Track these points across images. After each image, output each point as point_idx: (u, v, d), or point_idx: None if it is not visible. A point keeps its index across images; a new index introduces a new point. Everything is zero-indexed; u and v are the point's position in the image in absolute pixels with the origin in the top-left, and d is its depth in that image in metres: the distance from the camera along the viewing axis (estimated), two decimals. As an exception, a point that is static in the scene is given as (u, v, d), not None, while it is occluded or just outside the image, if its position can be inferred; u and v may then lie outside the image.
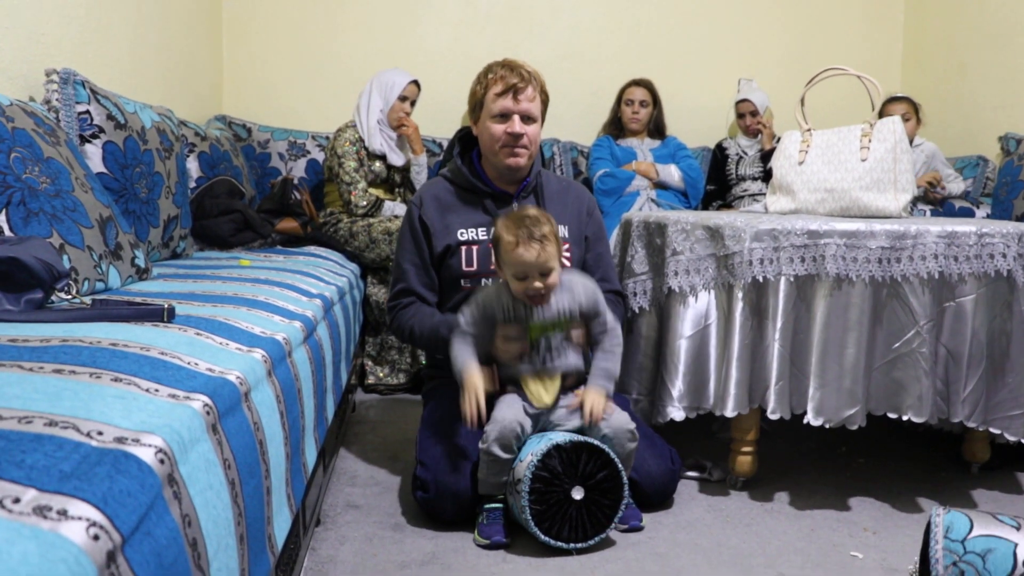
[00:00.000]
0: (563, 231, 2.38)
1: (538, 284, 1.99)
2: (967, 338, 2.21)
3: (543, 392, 2.06)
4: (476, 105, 2.35)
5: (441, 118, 4.37)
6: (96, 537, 0.63)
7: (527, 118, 2.30)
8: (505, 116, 2.29)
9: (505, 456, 1.98)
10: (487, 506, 2.03)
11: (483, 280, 2.32)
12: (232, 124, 4.19)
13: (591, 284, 2.12)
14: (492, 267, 2.31)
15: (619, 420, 2.05)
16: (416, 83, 3.79)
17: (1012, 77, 4.14)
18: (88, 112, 2.29)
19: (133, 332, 1.23)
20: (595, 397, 2.04)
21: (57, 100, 2.24)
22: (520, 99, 2.28)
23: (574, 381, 2.12)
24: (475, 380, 2.01)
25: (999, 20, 4.24)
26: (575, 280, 2.11)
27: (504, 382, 2.10)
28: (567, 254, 2.37)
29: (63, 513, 0.63)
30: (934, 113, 4.42)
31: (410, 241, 2.38)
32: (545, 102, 2.36)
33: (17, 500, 0.63)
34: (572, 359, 2.10)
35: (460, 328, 2.09)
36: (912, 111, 4.06)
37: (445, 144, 4.30)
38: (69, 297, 1.51)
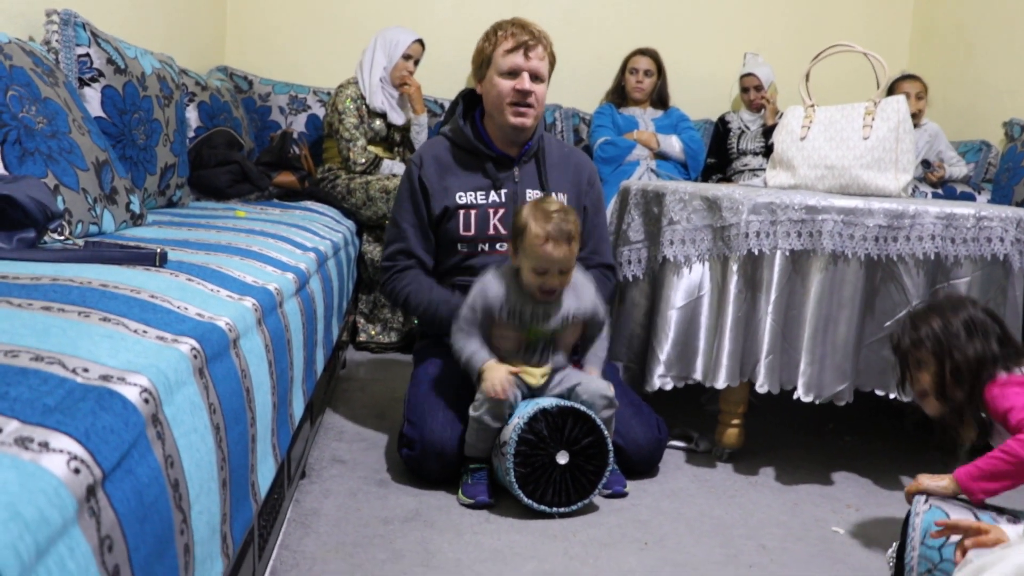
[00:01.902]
0: (562, 198, 2.37)
1: (556, 282, 1.99)
2: (959, 320, 2.22)
3: (533, 376, 2.06)
4: (484, 62, 2.32)
5: (444, 78, 4.33)
6: (77, 471, 0.63)
7: (536, 77, 2.28)
8: (514, 73, 2.26)
9: (495, 425, 1.99)
10: (472, 466, 2.04)
11: (479, 245, 2.31)
12: (233, 75, 4.16)
13: (592, 286, 2.14)
14: (490, 232, 2.30)
15: (596, 386, 2.06)
16: (421, 42, 3.76)
17: (1019, 61, 4.12)
18: (88, 55, 2.26)
19: (124, 274, 1.22)
20: (592, 371, 2.12)
21: (57, 41, 2.21)
22: (531, 56, 2.26)
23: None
24: (496, 370, 2.01)
25: (1008, 3, 4.20)
26: (583, 283, 2.12)
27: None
28: None
29: (45, 445, 0.63)
30: (939, 95, 4.39)
31: (408, 201, 2.36)
32: (552, 63, 2.34)
33: (-1, 430, 0.63)
34: (561, 359, 2.12)
35: (464, 320, 2.08)
36: (924, 90, 4.04)
37: (447, 105, 4.26)
38: (62, 238, 1.51)
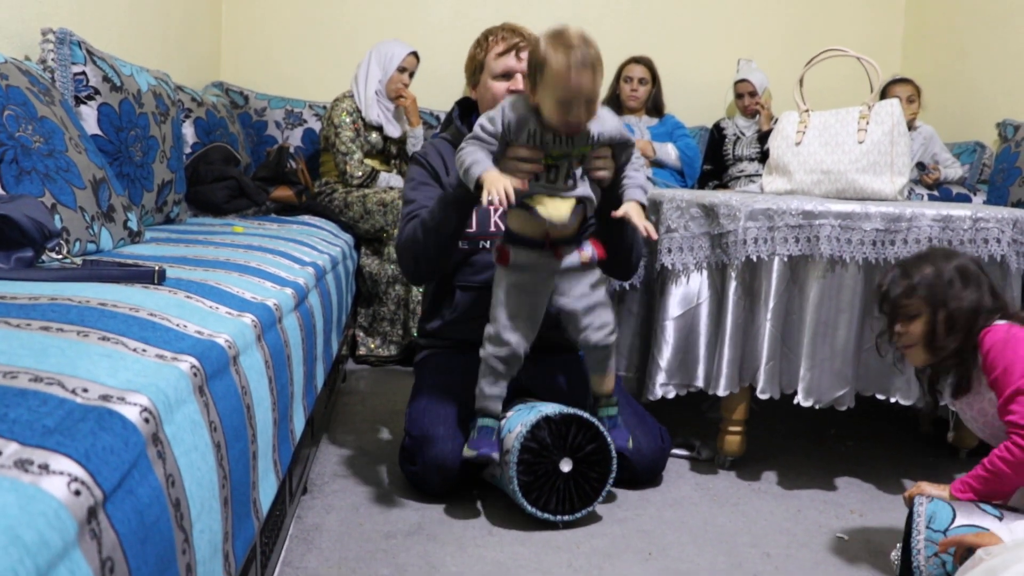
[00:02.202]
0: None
1: (582, 114, 1.78)
2: (958, 323, 2.22)
3: (557, 207, 1.84)
4: (476, 68, 2.32)
5: (440, 90, 4.33)
6: (77, 492, 0.63)
7: None
8: (507, 75, 2.26)
9: (503, 368, 1.94)
10: (481, 421, 1.97)
11: (481, 242, 2.29)
12: (229, 91, 4.16)
13: (614, 115, 1.94)
14: (492, 229, 2.28)
15: (608, 317, 1.97)
16: (415, 55, 3.77)
17: (1012, 63, 4.13)
18: (84, 73, 2.27)
19: (122, 293, 1.22)
20: (635, 209, 1.84)
21: (53, 60, 2.22)
22: (523, 58, 2.24)
23: (586, 212, 1.93)
24: (497, 177, 1.75)
25: (1000, 6, 4.22)
26: (604, 112, 1.89)
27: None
28: None
29: (44, 467, 0.63)
30: (933, 97, 4.40)
31: (418, 180, 2.26)
32: None
33: (-1, 453, 0.63)
34: (586, 189, 1.89)
35: (473, 137, 1.84)
36: (916, 93, 4.05)
37: (443, 116, 4.27)
38: (60, 257, 1.51)
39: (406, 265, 2.18)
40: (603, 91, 4.35)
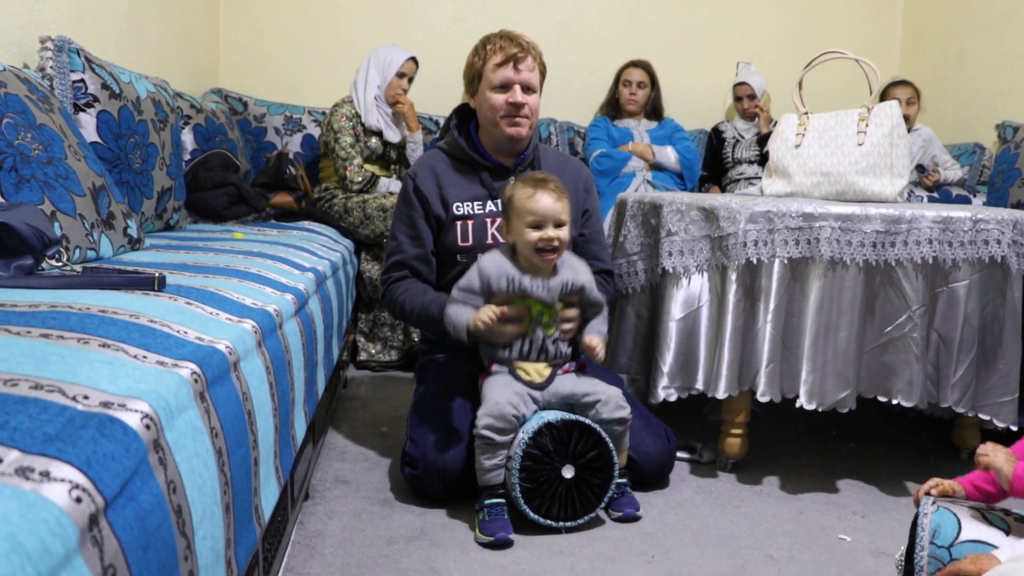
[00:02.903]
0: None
1: (552, 233, 1.98)
2: (959, 324, 2.22)
3: (535, 372, 2.04)
4: (474, 77, 2.33)
5: (439, 95, 4.34)
6: (79, 500, 0.63)
7: (527, 88, 2.28)
8: (505, 87, 2.26)
9: (500, 439, 1.92)
10: (487, 502, 1.93)
11: (478, 255, 2.30)
12: (228, 97, 4.17)
13: (586, 266, 2.14)
14: (488, 241, 2.29)
15: (614, 396, 2.03)
16: (414, 60, 3.77)
17: (1010, 65, 4.13)
18: (83, 81, 2.27)
19: (123, 300, 1.22)
20: (595, 338, 2.05)
21: (51, 68, 2.22)
22: (520, 68, 2.26)
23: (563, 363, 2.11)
24: (481, 312, 1.97)
25: (999, 7, 4.22)
26: (577, 260, 2.12)
27: (493, 363, 2.08)
28: None
29: (46, 475, 0.63)
30: (932, 99, 4.41)
31: (405, 213, 2.35)
32: (543, 73, 2.34)
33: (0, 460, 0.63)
34: (563, 348, 2.10)
35: (460, 291, 2.04)
36: (916, 95, 4.05)
37: (442, 122, 4.28)
38: (59, 264, 1.50)
39: (391, 313, 2.42)
40: (602, 95, 4.39)
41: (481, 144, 2.37)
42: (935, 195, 4.03)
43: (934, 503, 1.55)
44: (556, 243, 1.99)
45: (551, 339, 2.06)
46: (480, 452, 1.94)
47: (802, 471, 2.41)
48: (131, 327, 1.06)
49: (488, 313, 1.94)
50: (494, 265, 2.03)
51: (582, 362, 2.16)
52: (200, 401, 0.96)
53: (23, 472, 0.62)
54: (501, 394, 1.96)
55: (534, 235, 1.98)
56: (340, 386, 2.92)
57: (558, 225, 1.99)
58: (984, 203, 3.89)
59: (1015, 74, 4.10)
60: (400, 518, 1.99)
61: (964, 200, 3.96)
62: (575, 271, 2.08)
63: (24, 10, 2.27)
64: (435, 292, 2.28)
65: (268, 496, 1.26)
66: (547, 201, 1.98)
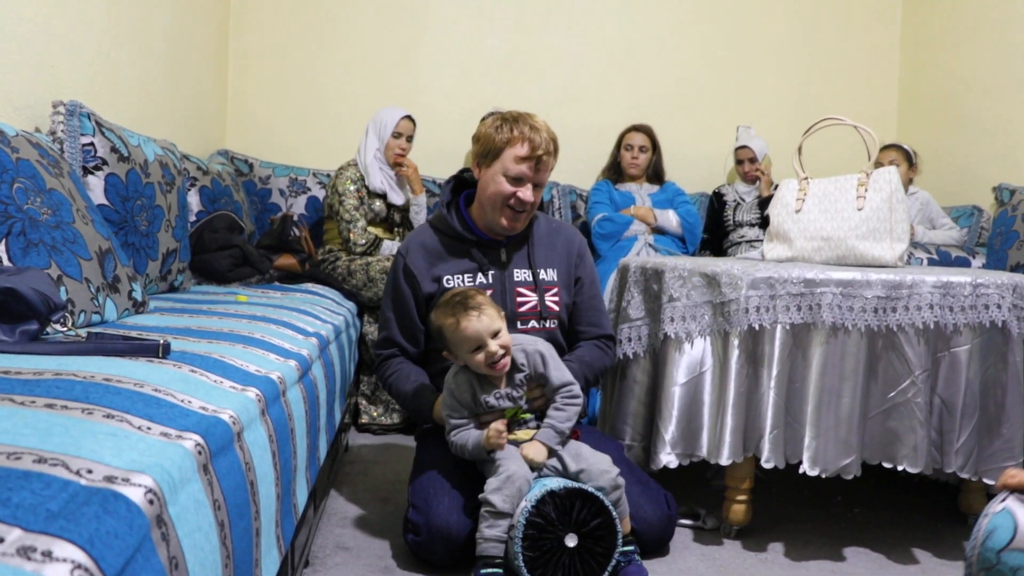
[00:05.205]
0: (551, 274, 2.38)
1: (494, 347, 2.00)
2: (961, 388, 2.21)
3: (539, 452, 2.03)
4: (490, 153, 2.27)
5: (443, 158, 4.38)
6: (81, 580, 0.63)
7: (538, 186, 2.29)
8: (519, 180, 2.25)
9: (507, 509, 1.91)
10: (484, 571, 1.90)
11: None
12: (234, 159, 4.21)
13: (534, 341, 2.14)
14: None
15: (598, 463, 2.02)
16: (410, 118, 3.79)
17: (1005, 129, 4.18)
18: (92, 144, 2.30)
19: (127, 367, 1.22)
20: (532, 449, 2.02)
21: (62, 131, 2.25)
22: (540, 169, 2.26)
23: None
24: (493, 437, 2.02)
25: (992, 73, 4.29)
26: (523, 338, 2.14)
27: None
28: (555, 298, 2.37)
29: (48, 555, 0.62)
30: (930, 163, 4.45)
31: (394, 290, 2.39)
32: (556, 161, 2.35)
33: (1, 540, 0.62)
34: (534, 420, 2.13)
35: (451, 426, 2.10)
36: (902, 158, 4.09)
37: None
38: (65, 329, 1.51)
39: (383, 388, 2.49)
40: (604, 159, 4.44)
41: (471, 218, 2.38)
42: (935, 257, 4.05)
43: (1003, 500, 1.50)
44: (502, 352, 2.02)
45: (530, 421, 2.10)
46: (483, 520, 1.93)
47: (807, 538, 2.38)
48: (135, 396, 1.07)
49: (499, 435, 2.01)
50: (459, 393, 2.09)
51: (575, 429, 2.14)
52: (203, 473, 0.95)
53: (25, 552, 0.62)
54: (515, 465, 1.97)
55: (479, 357, 2.01)
56: (342, 450, 2.90)
57: (495, 334, 2.01)
58: (983, 265, 3.91)
59: (1010, 138, 4.15)
60: (401, 586, 1.97)
61: (964, 262, 3.98)
62: (534, 364, 2.08)
63: (37, 74, 2.32)
64: (417, 376, 2.35)
65: (269, 566, 1.25)
66: (473, 326, 2.00)
